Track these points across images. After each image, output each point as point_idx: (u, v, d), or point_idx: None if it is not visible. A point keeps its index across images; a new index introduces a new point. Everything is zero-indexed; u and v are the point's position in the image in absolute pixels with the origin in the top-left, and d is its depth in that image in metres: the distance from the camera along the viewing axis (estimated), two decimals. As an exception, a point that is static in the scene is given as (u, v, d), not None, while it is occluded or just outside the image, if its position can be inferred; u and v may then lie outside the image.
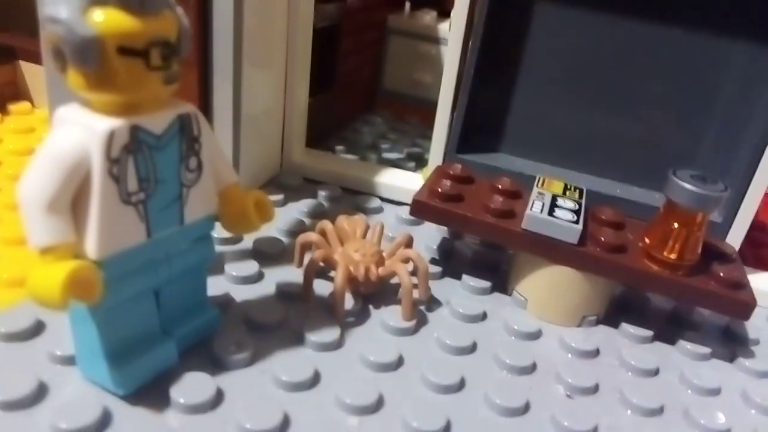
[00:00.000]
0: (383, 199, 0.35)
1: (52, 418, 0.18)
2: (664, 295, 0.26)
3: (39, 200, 0.16)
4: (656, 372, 0.25)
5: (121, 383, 0.19)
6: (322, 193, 0.35)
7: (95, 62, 0.16)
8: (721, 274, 0.25)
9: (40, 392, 0.19)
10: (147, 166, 0.18)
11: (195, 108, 0.19)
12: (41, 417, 0.18)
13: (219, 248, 0.27)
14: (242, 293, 0.25)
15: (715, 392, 0.24)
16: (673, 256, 0.25)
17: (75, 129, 0.17)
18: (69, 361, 0.20)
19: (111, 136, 0.16)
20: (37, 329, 0.22)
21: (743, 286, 0.25)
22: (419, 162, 0.43)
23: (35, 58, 0.42)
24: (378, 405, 0.21)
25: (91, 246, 0.17)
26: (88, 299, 0.17)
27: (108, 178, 0.17)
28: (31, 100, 0.42)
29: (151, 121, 0.17)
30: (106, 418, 0.18)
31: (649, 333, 0.26)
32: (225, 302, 0.24)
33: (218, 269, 0.26)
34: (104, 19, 0.16)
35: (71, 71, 0.16)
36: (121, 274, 0.18)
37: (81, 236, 0.17)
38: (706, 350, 0.26)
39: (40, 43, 0.40)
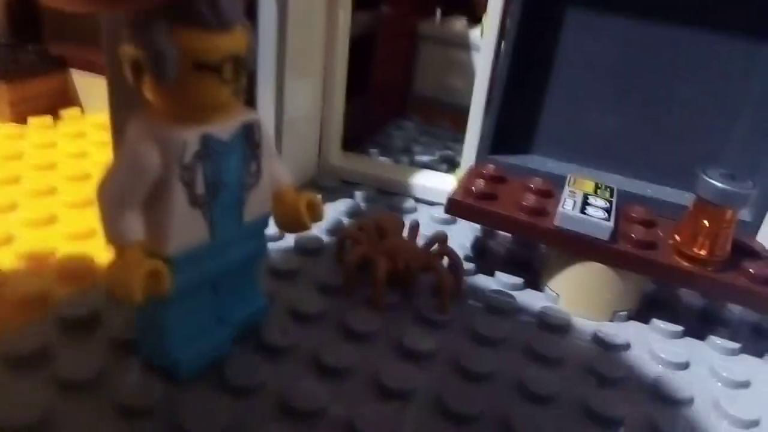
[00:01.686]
0: (417, 200, 0.37)
1: (117, 397, 0.19)
2: (694, 290, 0.27)
3: (118, 202, 0.18)
4: (686, 365, 0.25)
5: (183, 366, 0.20)
6: (358, 194, 0.36)
7: (173, 76, 0.17)
8: (751, 271, 0.25)
9: (104, 376, 0.21)
10: (213, 171, 0.19)
11: (257, 115, 0.20)
12: (107, 396, 0.20)
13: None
14: (286, 286, 0.26)
15: (745, 385, 0.25)
16: (703, 252, 0.25)
17: (150, 137, 0.18)
18: (129, 346, 0.22)
19: (184, 145, 0.18)
20: (97, 317, 0.23)
21: (773, 282, 0.26)
22: (451, 164, 0.44)
23: (85, 66, 0.44)
24: (414, 391, 0.22)
25: (164, 244, 0.18)
26: (158, 292, 0.18)
27: (180, 183, 0.18)
28: (81, 106, 0.45)
29: (220, 128, 0.19)
30: (169, 396, 0.20)
31: (680, 328, 0.27)
32: (271, 294, 0.25)
33: (263, 264, 0.27)
34: (184, 38, 0.17)
35: (147, 83, 0.18)
36: (187, 269, 0.19)
37: (154, 235, 0.18)
38: (736, 345, 0.26)
39: (89, 53, 0.43)
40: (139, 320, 0.21)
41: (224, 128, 0.19)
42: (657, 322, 0.27)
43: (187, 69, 0.17)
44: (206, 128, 0.18)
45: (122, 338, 0.22)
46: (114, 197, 0.18)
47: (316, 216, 0.23)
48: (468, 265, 0.29)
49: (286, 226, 0.23)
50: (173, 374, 0.21)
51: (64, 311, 0.23)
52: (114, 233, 0.18)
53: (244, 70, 0.19)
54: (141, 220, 0.18)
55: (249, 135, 0.20)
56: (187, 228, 0.19)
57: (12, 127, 0.40)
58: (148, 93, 0.18)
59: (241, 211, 0.21)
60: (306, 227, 0.22)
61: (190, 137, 0.18)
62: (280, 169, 0.22)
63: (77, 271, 0.26)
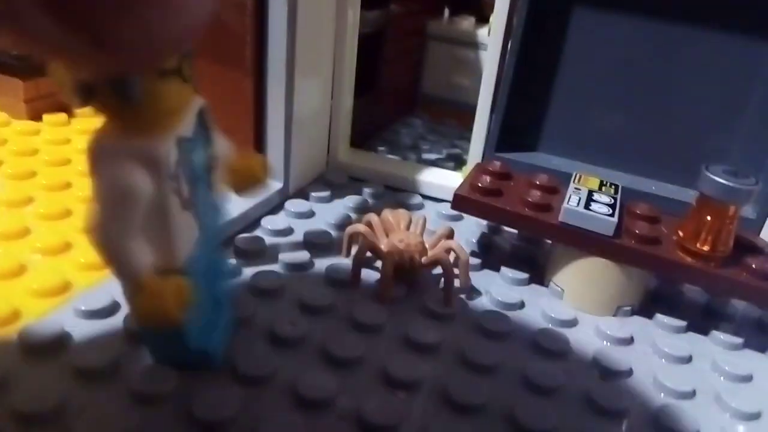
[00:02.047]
0: (424, 196, 0.37)
1: (131, 385, 0.20)
2: (697, 285, 0.27)
3: (121, 238, 0.17)
4: (689, 359, 0.26)
5: (212, 355, 0.21)
6: (366, 190, 0.37)
7: (139, 94, 0.16)
8: (754, 266, 0.26)
9: (118, 364, 0.21)
10: (189, 168, 0.19)
11: (200, 98, 0.19)
12: (121, 384, 0.20)
13: (274, 240, 0.30)
14: (295, 279, 0.27)
15: (747, 379, 0.25)
16: (705, 247, 0.26)
17: (131, 159, 0.17)
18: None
19: (168, 156, 0.17)
20: (113, 308, 0.24)
21: (776, 278, 0.26)
22: (458, 162, 0.44)
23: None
24: (420, 382, 0.22)
25: (174, 257, 0.18)
26: (187, 303, 0.18)
27: (171, 194, 0.18)
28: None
29: (185, 126, 0.18)
30: (181, 385, 0.20)
31: (683, 323, 0.27)
32: (280, 287, 0.26)
33: (273, 258, 0.28)
34: None
35: (105, 105, 0.16)
36: (192, 268, 0.19)
37: (162, 252, 0.18)
38: (739, 340, 0.27)
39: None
40: (150, 338, 0.21)
41: (187, 123, 0.18)
42: (660, 317, 0.28)
43: (153, 82, 0.16)
44: (176, 131, 0.18)
45: (136, 329, 0.22)
46: (114, 236, 0.17)
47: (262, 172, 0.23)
48: (474, 260, 0.30)
49: (240, 188, 0.23)
50: (206, 366, 0.21)
51: (81, 302, 0.23)
52: (127, 270, 0.17)
53: (190, 59, 0.18)
54: (146, 244, 0.17)
55: (203, 120, 0.19)
56: (186, 233, 0.19)
57: (28, 124, 0.41)
58: (111, 115, 0.17)
59: (213, 193, 0.21)
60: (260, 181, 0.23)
61: (170, 148, 0.17)
62: (222, 141, 0.21)
63: (92, 263, 0.26)
